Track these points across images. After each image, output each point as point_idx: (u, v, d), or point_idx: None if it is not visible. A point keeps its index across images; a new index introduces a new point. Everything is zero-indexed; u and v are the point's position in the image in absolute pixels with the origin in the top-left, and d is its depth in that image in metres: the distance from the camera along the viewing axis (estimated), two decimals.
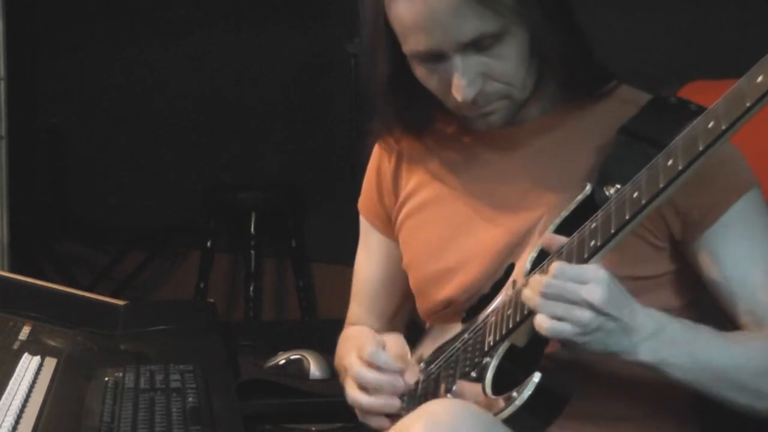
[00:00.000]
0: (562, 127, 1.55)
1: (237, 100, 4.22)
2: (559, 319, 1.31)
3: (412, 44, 1.47)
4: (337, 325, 1.83)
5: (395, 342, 1.57)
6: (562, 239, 1.40)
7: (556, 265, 1.33)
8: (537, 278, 1.35)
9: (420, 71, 1.51)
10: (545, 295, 1.32)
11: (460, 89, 1.45)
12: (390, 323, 1.78)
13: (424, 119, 1.62)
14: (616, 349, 1.34)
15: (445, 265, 1.59)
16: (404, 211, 1.67)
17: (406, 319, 1.80)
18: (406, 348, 1.57)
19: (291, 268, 4.08)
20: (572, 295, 1.31)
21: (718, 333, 1.42)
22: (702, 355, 1.38)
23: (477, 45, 1.43)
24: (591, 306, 1.30)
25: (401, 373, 1.52)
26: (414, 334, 1.73)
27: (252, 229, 4.01)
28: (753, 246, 1.48)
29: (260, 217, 4.03)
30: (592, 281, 1.31)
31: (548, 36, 1.46)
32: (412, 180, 1.66)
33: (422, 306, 1.68)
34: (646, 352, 1.35)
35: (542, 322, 1.33)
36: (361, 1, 1.54)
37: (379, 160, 1.72)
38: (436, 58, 1.46)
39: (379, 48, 1.53)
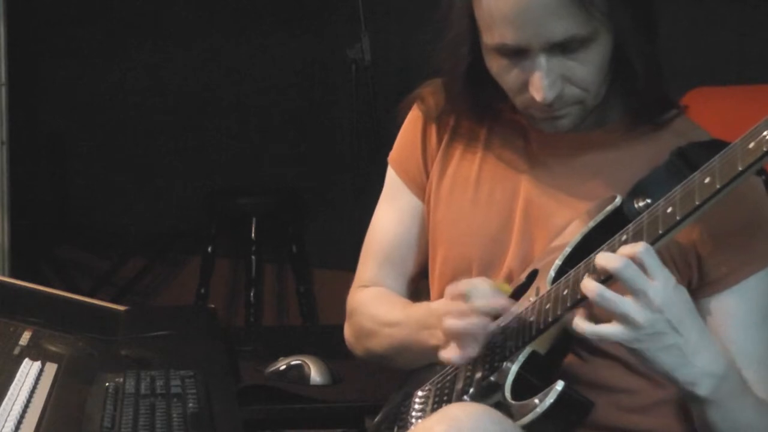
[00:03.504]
0: (620, 148, 1.53)
1: (238, 105, 4.23)
2: (614, 317, 1.29)
3: (498, 37, 1.44)
4: (338, 330, 1.82)
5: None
6: None
7: (640, 245, 1.29)
8: (606, 257, 1.30)
9: (497, 65, 1.48)
10: (619, 271, 1.28)
11: (542, 89, 1.42)
12: (408, 286, 1.73)
13: (493, 107, 1.59)
14: (674, 370, 1.31)
15: (468, 256, 1.58)
16: (444, 184, 1.63)
17: (417, 288, 1.75)
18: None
19: (292, 273, 4.08)
20: (636, 284, 1.27)
21: (759, 399, 1.41)
22: (741, 407, 1.36)
23: (564, 47, 1.41)
24: (649, 303, 1.27)
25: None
26: None
27: (253, 235, 4.01)
28: (765, 320, 1.46)
29: (261, 222, 4.02)
30: (652, 274, 1.28)
31: (635, 44, 1.44)
32: (455, 155, 1.63)
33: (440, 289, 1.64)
34: (706, 389, 1.32)
35: (582, 325, 1.31)
36: None
37: (424, 123, 1.67)
38: (519, 54, 1.44)
39: (460, 37, 1.50)
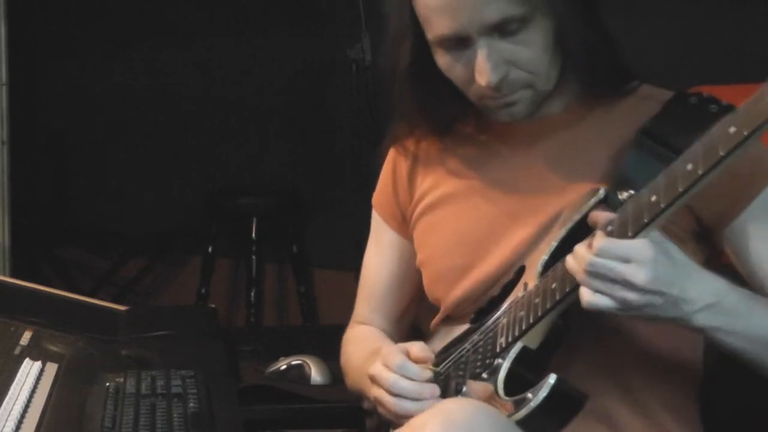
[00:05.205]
0: (582, 123, 1.55)
1: (238, 106, 4.23)
2: (602, 293, 1.31)
3: (437, 29, 1.47)
4: (338, 330, 1.83)
5: (419, 349, 1.52)
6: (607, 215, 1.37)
7: (600, 243, 1.31)
8: (582, 252, 1.33)
9: (444, 60, 1.51)
10: (589, 273, 1.31)
11: (485, 73, 1.45)
12: (397, 324, 1.78)
13: (446, 119, 1.63)
14: (668, 318, 1.34)
15: (462, 261, 1.59)
16: (420, 207, 1.67)
17: (411, 321, 1.80)
18: (431, 354, 1.52)
19: (292, 273, 4.08)
20: (615, 275, 1.30)
21: None
22: (757, 326, 1.38)
23: (502, 29, 1.44)
24: (633, 286, 1.29)
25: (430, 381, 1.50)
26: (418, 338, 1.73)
27: (253, 235, 4.01)
28: None
29: (261, 222, 4.02)
30: (636, 261, 1.30)
31: (572, 27, 1.47)
32: (428, 178, 1.66)
33: (433, 305, 1.67)
34: (701, 321, 1.35)
35: (584, 295, 1.32)
36: None
37: (395, 159, 1.73)
38: (461, 44, 1.47)
39: (403, 38, 1.54)
